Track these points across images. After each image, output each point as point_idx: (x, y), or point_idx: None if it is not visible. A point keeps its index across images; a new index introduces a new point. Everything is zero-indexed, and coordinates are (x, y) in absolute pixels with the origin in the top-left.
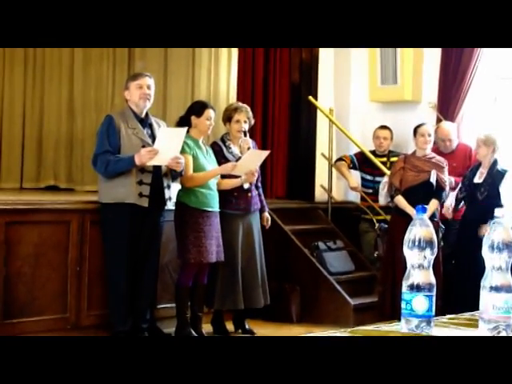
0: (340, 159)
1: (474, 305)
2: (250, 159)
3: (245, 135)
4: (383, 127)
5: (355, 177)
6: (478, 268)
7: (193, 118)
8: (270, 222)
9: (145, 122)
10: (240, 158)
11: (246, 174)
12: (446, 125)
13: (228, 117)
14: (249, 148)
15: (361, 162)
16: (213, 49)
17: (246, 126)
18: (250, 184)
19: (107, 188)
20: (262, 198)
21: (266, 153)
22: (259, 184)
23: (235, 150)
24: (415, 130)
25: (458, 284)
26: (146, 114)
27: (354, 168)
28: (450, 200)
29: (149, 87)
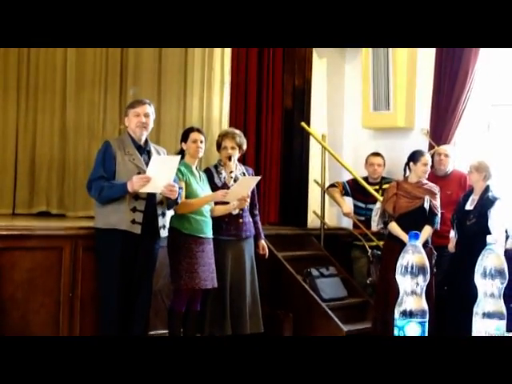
0: (332, 185)
1: (466, 331)
2: (241, 186)
3: (229, 160)
4: (376, 154)
5: (348, 203)
6: (471, 295)
7: (182, 144)
8: (267, 250)
9: (143, 148)
10: (226, 183)
11: (238, 199)
12: (443, 146)
13: (218, 143)
14: (231, 172)
15: (353, 188)
16: (205, 74)
17: (234, 152)
18: (241, 210)
19: (101, 214)
20: (259, 225)
21: (256, 179)
22: (256, 212)
23: (226, 175)
24: (415, 158)
25: (451, 310)
26: (146, 141)
27: (347, 194)
28: (453, 233)
29: (146, 115)
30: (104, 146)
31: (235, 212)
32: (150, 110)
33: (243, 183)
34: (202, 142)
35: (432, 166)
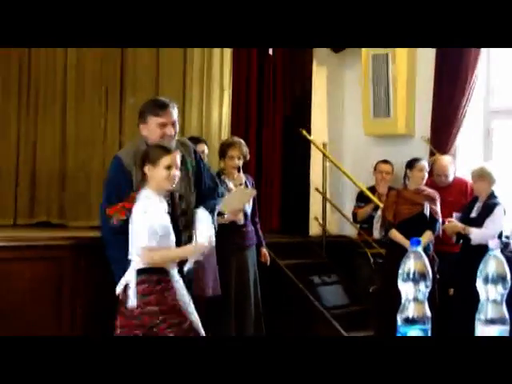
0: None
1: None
2: (236, 197)
3: (238, 171)
4: (385, 161)
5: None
6: (475, 301)
7: None
8: (268, 258)
9: None
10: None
11: (231, 212)
12: (443, 160)
13: (223, 152)
14: (241, 185)
15: (357, 197)
16: (204, 82)
17: (240, 162)
18: (245, 219)
19: None
20: (260, 233)
21: (253, 193)
22: (257, 219)
23: (230, 185)
24: (411, 165)
25: (455, 316)
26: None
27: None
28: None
29: (174, 124)
30: (114, 165)
31: (240, 222)
32: (175, 113)
33: (238, 194)
34: (202, 151)
35: (432, 175)
